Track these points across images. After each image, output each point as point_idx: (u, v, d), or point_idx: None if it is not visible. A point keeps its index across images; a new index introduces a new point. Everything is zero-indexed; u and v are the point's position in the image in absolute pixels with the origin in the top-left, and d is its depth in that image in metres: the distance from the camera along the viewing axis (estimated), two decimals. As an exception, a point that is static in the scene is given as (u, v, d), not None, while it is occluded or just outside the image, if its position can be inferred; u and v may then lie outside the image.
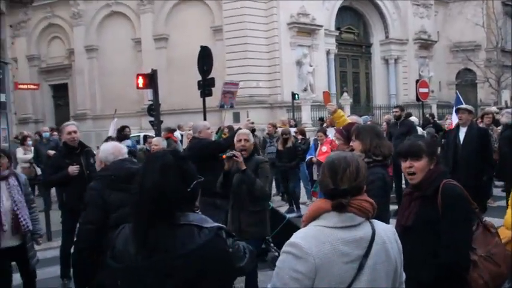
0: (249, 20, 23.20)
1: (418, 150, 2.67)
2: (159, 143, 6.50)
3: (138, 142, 15.87)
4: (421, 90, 16.25)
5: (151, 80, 9.63)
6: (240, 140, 4.63)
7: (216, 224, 1.78)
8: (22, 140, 10.74)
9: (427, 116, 15.64)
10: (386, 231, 1.92)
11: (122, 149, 3.56)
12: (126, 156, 3.56)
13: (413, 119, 12.80)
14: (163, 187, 1.67)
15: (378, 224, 1.91)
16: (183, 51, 22.82)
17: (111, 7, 27.25)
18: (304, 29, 24.20)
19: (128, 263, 1.65)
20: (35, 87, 23.96)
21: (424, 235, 2.56)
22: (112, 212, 3.20)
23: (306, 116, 21.59)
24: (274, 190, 10.98)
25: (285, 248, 1.79)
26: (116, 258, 1.68)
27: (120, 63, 25.82)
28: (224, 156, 4.45)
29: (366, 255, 1.80)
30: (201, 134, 5.96)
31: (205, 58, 10.28)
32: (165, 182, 1.68)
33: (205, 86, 10.18)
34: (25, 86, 22.38)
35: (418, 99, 16.61)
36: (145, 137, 13.12)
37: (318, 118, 18.98)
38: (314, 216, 1.87)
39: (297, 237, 1.81)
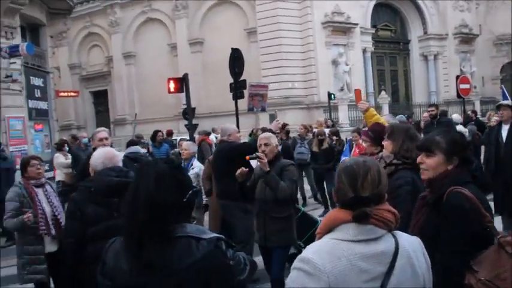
0: (283, 21, 23.07)
1: (430, 144, 2.41)
2: (188, 147, 6.40)
3: (175, 146, 16.03)
4: (462, 86, 15.67)
5: (182, 84, 9.64)
6: (260, 145, 4.52)
7: (215, 235, 1.66)
8: (59, 146, 10.92)
9: (469, 113, 15.05)
10: (412, 244, 1.72)
11: (114, 156, 3.32)
12: (119, 164, 3.33)
13: (455, 116, 12.39)
14: (158, 197, 1.57)
15: (402, 236, 1.71)
16: (217, 54, 22.91)
17: (147, 14, 27.75)
18: (339, 28, 23.87)
19: (120, 281, 1.56)
20: (74, 94, 24.62)
21: (428, 247, 2.23)
22: (90, 225, 3.05)
23: (343, 116, 21.28)
24: (309, 193, 10.83)
25: (295, 263, 1.62)
26: (106, 275, 1.59)
27: (157, 69, 26.21)
28: (248, 157, 4.36)
29: (389, 272, 1.60)
30: (230, 137, 5.85)
31: (236, 60, 10.21)
32: (159, 191, 1.58)
33: (237, 89, 10.12)
34: (65, 94, 23.00)
35: (459, 95, 16.04)
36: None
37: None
38: (330, 228, 1.69)
39: (309, 251, 1.63)
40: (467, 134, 10.69)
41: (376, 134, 3.41)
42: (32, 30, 17.95)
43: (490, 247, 2.18)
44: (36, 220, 4.35)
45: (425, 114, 11.53)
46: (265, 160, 4.25)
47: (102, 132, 5.23)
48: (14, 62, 15.12)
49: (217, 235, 1.67)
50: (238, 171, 4.48)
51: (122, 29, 28.58)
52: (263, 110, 10.95)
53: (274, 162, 4.42)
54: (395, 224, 1.68)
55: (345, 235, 1.62)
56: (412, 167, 2.95)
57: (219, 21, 24.91)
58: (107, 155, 3.29)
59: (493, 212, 2.77)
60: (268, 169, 4.23)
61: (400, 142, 3.04)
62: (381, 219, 1.64)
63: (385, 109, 21.56)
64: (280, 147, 9.58)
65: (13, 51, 14.62)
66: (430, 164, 2.40)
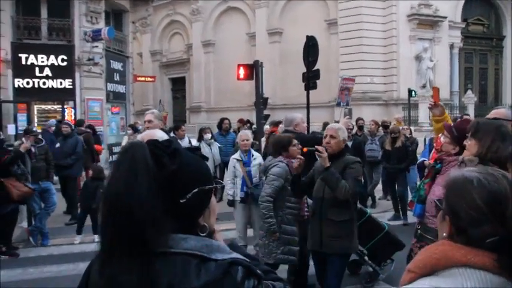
0: (366, 13, 22.18)
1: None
2: (248, 137, 5.99)
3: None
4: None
5: (252, 71, 9.24)
6: (325, 136, 4.03)
7: (231, 256, 1.12)
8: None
9: None
10: None
11: (152, 137, 3.18)
12: None
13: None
14: (128, 197, 1.05)
15: None
16: (296, 45, 22.25)
17: (227, 3, 27.88)
18: (426, 21, 22.54)
19: None
20: (151, 79, 25.21)
21: None
22: None
23: (423, 115, 20.04)
24: (380, 194, 10.19)
25: None
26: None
27: (234, 57, 26.14)
28: (306, 149, 3.91)
29: None
30: (297, 128, 5.41)
31: (310, 48, 9.64)
32: (130, 189, 1.06)
33: (310, 79, 9.54)
34: (143, 78, 23.58)
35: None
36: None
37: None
38: (432, 269, 1.15)
39: None
40: None
41: (461, 132, 2.87)
42: (116, 16, 18.50)
43: None
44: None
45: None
46: (326, 154, 3.76)
47: (148, 114, 4.95)
48: (96, 46, 15.66)
49: (235, 257, 1.13)
50: (296, 161, 4.00)
51: (203, 18, 28.93)
52: (347, 104, 10.26)
53: (339, 158, 3.94)
54: None
55: (458, 286, 1.08)
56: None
57: (299, 11, 24.42)
58: (143, 136, 3.11)
59: None
60: (329, 165, 3.75)
61: (489, 142, 2.50)
62: None
63: (471, 109, 20.13)
64: (351, 143, 9.08)
65: (96, 35, 15.12)
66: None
